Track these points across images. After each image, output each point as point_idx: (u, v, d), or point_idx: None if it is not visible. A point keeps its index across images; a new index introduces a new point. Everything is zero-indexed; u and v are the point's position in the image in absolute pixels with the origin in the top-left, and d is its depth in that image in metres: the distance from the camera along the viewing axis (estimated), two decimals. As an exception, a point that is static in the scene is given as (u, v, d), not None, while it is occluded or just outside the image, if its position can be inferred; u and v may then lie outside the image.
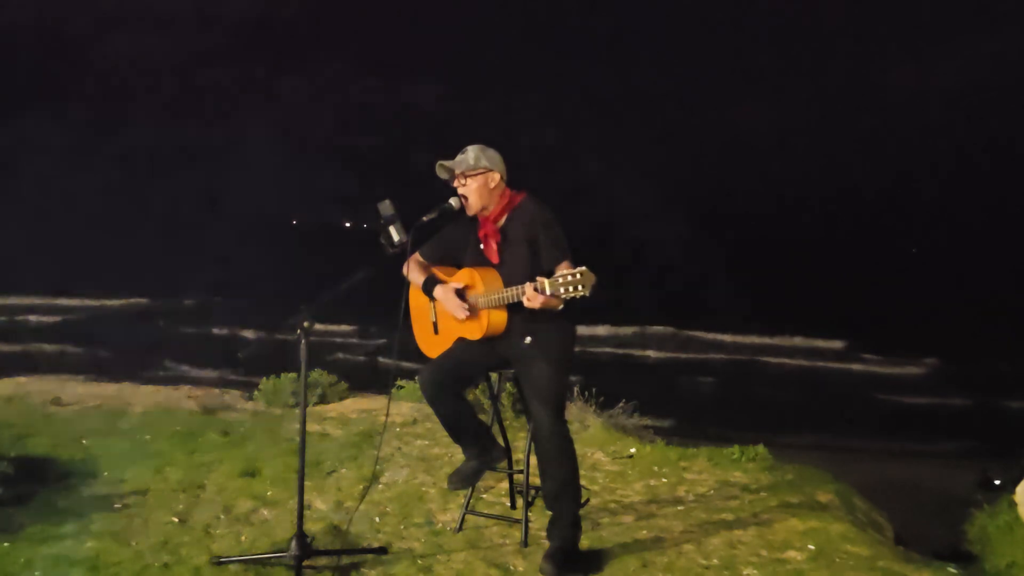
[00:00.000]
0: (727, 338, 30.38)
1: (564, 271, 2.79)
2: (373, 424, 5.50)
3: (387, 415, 4.66)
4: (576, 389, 5.72)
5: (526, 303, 2.93)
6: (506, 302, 3.05)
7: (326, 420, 5.67)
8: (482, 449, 3.31)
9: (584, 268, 2.78)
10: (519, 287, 2.96)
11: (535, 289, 2.85)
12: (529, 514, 3.40)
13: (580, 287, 2.76)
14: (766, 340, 29.84)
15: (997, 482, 6.03)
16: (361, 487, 4.14)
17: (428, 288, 3.26)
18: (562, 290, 2.77)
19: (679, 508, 3.87)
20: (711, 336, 30.71)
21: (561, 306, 2.96)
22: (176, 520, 3.69)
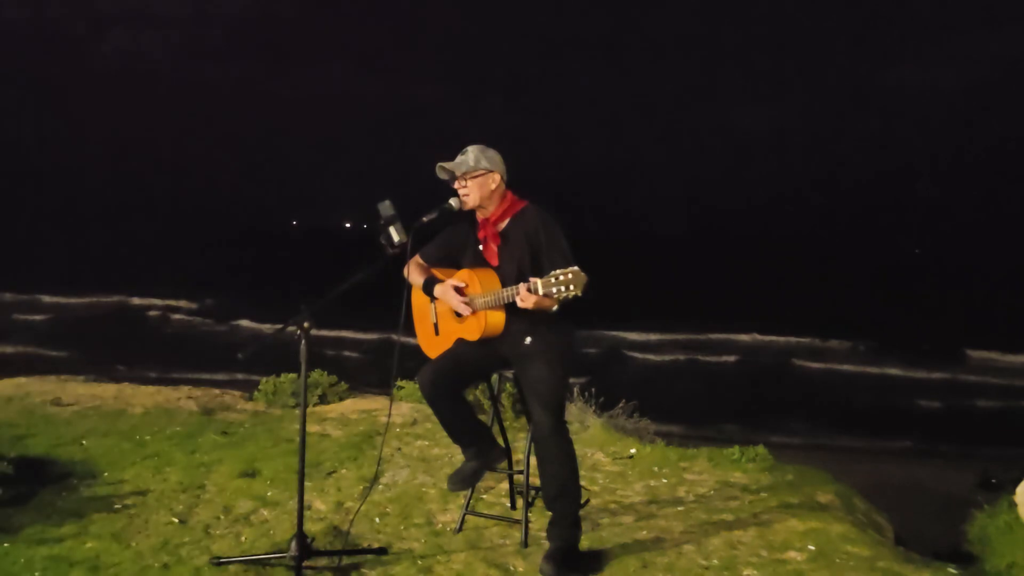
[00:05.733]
0: (727, 337, 30.43)
1: (556, 271, 2.79)
2: (373, 424, 5.49)
3: (388, 415, 4.66)
4: (576, 389, 5.72)
5: (519, 303, 2.93)
6: (502, 302, 3.05)
7: (326, 420, 5.66)
8: (482, 450, 3.30)
9: (576, 268, 2.79)
10: (514, 287, 2.96)
11: (528, 289, 2.85)
12: (529, 514, 3.40)
13: (572, 287, 2.76)
14: (766, 340, 29.88)
15: (994, 481, 6.03)
16: (361, 488, 4.13)
17: (428, 288, 3.26)
18: (554, 290, 2.77)
19: (679, 508, 3.86)
20: (711, 336, 30.75)
21: (555, 307, 2.97)
22: (176, 520, 3.69)
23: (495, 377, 3.52)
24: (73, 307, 36.42)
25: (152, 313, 36.54)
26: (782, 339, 29.62)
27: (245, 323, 32.36)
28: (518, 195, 3.25)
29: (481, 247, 3.22)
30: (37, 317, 33.02)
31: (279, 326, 3.09)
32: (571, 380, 5.65)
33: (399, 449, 4.92)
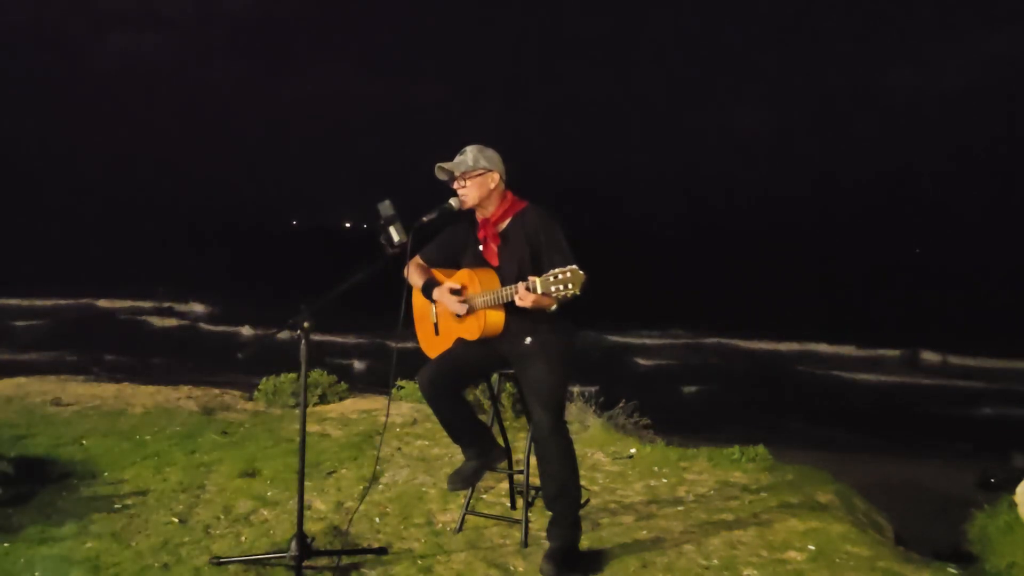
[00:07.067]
0: (727, 340, 30.42)
1: (555, 270, 2.80)
2: (373, 424, 5.49)
3: (387, 415, 4.66)
4: (576, 389, 5.72)
5: (518, 302, 2.94)
6: (501, 301, 3.06)
7: (326, 420, 5.66)
8: (482, 449, 3.30)
9: (574, 267, 2.79)
10: (513, 286, 2.97)
11: (527, 288, 2.86)
12: (529, 514, 3.40)
13: (570, 286, 2.77)
14: (766, 341, 29.88)
15: (993, 480, 6.03)
16: (361, 487, 4.14)
17: (427, 291, 3.27)
18: (553, 289, 2.78)
19: (679, 508, 3.87)
20: (711, 339, 30.75)
21: (554, 306, 2.97)
22: (176, 520, 3.69)
23: (495, 377, 3.52)
24: (70, 309, 36.41)
25: (147, 318, 36.52)
26: (782, 340, 29.62)
27: (245, 324, 32.36)
28: (518, 195, 3.26)
29: (481, 247, 3.22)
30: (25, 322, 32.97)
31: (279, 327, 3.10)
32: (579, 388, 5.69)
33: (399, 449, 4.93)
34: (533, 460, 3.23)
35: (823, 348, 28.84)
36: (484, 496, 3.99)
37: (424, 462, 4.64)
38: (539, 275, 2.88)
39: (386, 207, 3.16)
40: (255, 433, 5.31)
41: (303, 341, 3.00)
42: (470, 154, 3.17)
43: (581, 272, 2.79)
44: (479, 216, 3.24)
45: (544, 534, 3.23)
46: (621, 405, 5.76)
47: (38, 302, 36.07)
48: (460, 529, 3.55)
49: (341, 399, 6.32)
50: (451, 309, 3.20)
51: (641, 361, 28.32)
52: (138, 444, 4.97)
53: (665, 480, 4.32)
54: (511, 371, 3.27)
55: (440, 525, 3.65)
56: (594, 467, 4.56)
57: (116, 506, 3.87)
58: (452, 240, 3.35)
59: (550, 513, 3.21)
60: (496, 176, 3.18)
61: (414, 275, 3.34)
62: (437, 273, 3.35)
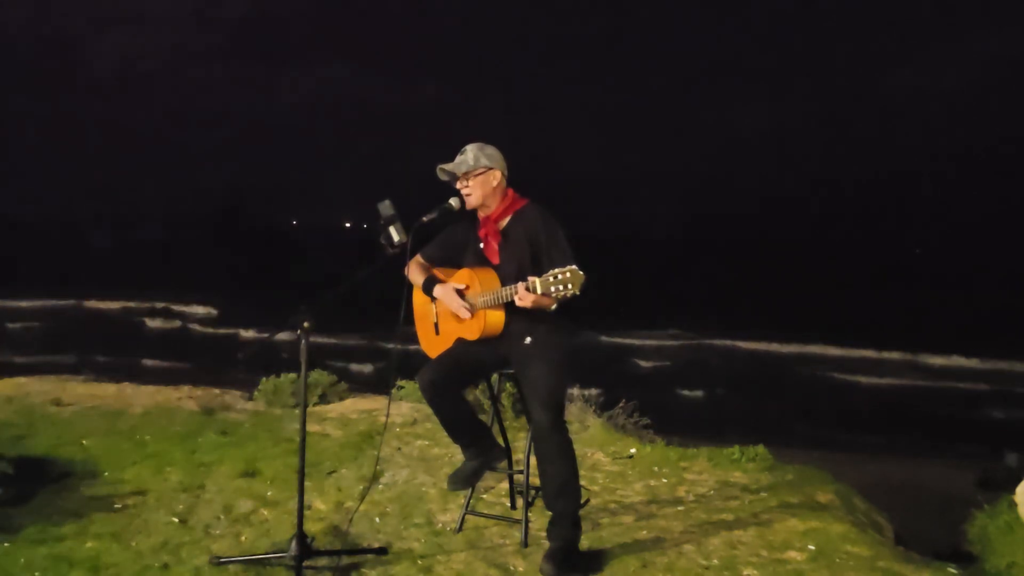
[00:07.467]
0: (729, 343, 30.42)
1: (555, 270, 2.80)
2: (373, 424, 5.49)
3: (387, 415, 4.66)
4: (576, 390, 5.72)
5: (518, 302, 2.95)
6: (501, 301, 3.06)
7: (326, 420, 5.66)
8: (482, 449, 3.31)
9: (574, 267, 2.80)
10: (513, 287, 2.98)
11: (527, 288, 2.86)
12: (529, 514, 3.40)
13: (570, 286, 2.77)
14: (767, 342, 29.87)
15: (992, 480, 6.00)
16: (361, 487, 4.13)
17: (428, 288, 3.26)
18: (552, 289, 2.78)
19: (679, 508, 3.86)
20: (711, 340, 30.74)
21: (554, 306, 2.98)
22: (176, 520, 3.69)
23: (495, 377, 3.52)
24: (67, 310, 36.38)
25: (146, 319, 36.50)
26: (783, 341, 29.62)
27: (245, 326, 32.35)
28: (519, 193, 3.26)
29: (482, 245, 3.23)
30: (22, 324, 32.93)
31: (279, 327, 3.10)
32: (579, 389, 5.69)
33: (399, 449, 4.93)
34: (533, 460, 3.23)
35: (823, 349, 28.84)
36: (484, 496, 3.99)
37: (424, 462, 4.64)
38: (539, 274, 2.89)
39: (386, 207, 3.16)
40: (255, 433, 5.30)
41: (303, 341, 3.00)
42: (470, 153, 3.17)
43: (581, 272, 2.79)
44: (481, 214, 3.24)
45: (544, 534, 3.23)
46: (621, 405, 5.76)
47: (37, 303, 36.08)
48: (460, 529, 3.55)
49: (341, 399, 6.32)
50: (454, 310, 3.20)
51: (641, 362, 28.33)
52: (138, 444, 4.96)
53: (665, 480, 4.32)
54: (511, 371, 3.27)
55: (440, 525, 3.65)
56: (594, 467, 4.56)
57: (116, 506, 3.87)
58: (453, 239, 3.35)
59: (550, 513, 3.21)
60: (498, 174, 3.18)
61: (415, 273, 3.33)
62: (438, 273, 3.35)
